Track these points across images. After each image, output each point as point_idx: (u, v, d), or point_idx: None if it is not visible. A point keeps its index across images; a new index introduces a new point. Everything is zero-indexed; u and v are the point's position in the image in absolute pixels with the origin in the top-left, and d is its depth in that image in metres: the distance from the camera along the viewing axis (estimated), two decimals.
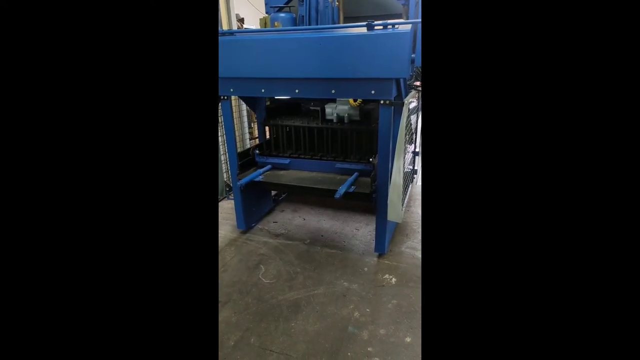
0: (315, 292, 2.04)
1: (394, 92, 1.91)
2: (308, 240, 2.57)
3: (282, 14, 2.30)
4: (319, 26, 2.09)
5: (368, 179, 2.22)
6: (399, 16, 2.38)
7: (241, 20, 4.94)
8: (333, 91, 1.97)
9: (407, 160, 2.61)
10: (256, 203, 2.77)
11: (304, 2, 2.22)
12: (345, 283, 2.10)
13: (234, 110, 3.20)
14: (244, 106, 3.27)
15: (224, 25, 3.09)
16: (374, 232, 2.28)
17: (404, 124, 1.86)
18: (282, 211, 3.03)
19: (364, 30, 1.79)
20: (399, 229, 2.65)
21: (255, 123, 2.92)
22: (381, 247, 2.27)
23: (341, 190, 1.99)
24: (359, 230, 2.71)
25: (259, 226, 2.78)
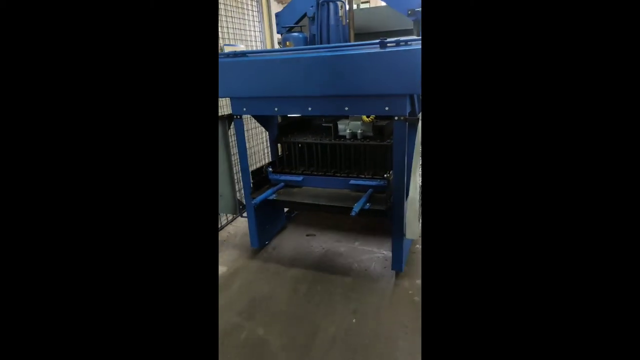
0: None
1: (409, 108, 1.89)
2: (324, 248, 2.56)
3: (294, 34, 2.32)
4: (331, 45, 2.10)
5: (383, 195, 2.18)
6: (409, 32, 2.38)
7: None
8: (346, 108, 1.96)
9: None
10: (270, 221, 2.75)
11: (315, 21, 2.23)
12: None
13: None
14: None
15: (268, 46, 3.23)
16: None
17: (420, 139, 1.84)
18: (297, 227, 3.01)
19: (376, 47, 1.79)
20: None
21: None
22: (398, 264, 2.21)
23: (356, 207, 1.95)
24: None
25: (273, 244, 2.75)
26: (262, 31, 3.01)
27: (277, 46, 3.16)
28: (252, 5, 3.19)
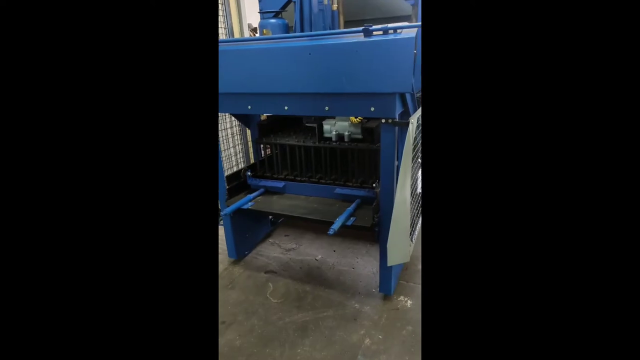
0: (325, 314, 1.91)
1: (399, 109, 1.60)
2: (319, 256, 2.30)
3: (272, 20, 2.04)
4: (310, 33, 1.82)
5: (371, 207, 1.91)
6: (407, 18, 2.07)
7: (254, 31, 4.71)
8: (327, 108, 1.68)
9: (420, 180, 2.28)
10: (250, 228, 2.51)
11: (296, 6, 1.95)
12: (356, 305, 1.98)
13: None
14: None
15: (236, 35, 2.89)
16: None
17: (410, 147, 1.54)
18: (287, 235, 2.76)
19: (360, 36, 1.50)
20: (417, 240, 2.20)
21: None
22: (386, 287, 1.95)
23: (336, 225, 1.69)
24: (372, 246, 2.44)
25: (254, 253, 2.52)
26: (226, 15, 2.68)
27: (247, 34, 2.84)
28: None
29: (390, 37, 1.44)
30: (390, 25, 1.46)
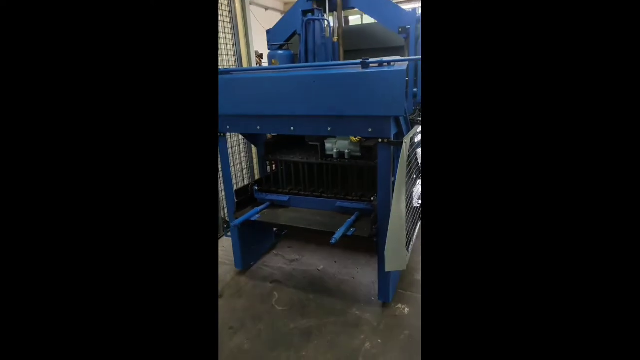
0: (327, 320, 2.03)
1: (394, 130, 1.79)
2: (322, 266, 2.43)
3: (280, 52, 2.28)
4: (314, 64, 2.04)
5: (369, 219, 2.08)
6: (400, 49, 2.30)
7: (260, 57, 4.95)
8: (329, 129, 1.88)
9: (416, 194, 2.46)
10: (256, 240, 2.66)
11: (301, 39, 2.18)
12: (357, 312, 2.10)
13: None
14: None
15: (244, 61, 3.11)
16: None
17: (405, 164, 1.73)
18: (290, 247, 2.91)
19: (359, 67, 1.71)
20: (413, 251, 2.31)
21: None
22: (385, 295, 2.09)
23: (337, 234, 1.85)
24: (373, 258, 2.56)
25: (259, 264, 2.66)
26: (236, 44, 2.91)
27: (254, 62, 3.07)
28: (223, 16, 2.82)
29: (385, 69, 1.65)
30: (384, 58, 1.67)
